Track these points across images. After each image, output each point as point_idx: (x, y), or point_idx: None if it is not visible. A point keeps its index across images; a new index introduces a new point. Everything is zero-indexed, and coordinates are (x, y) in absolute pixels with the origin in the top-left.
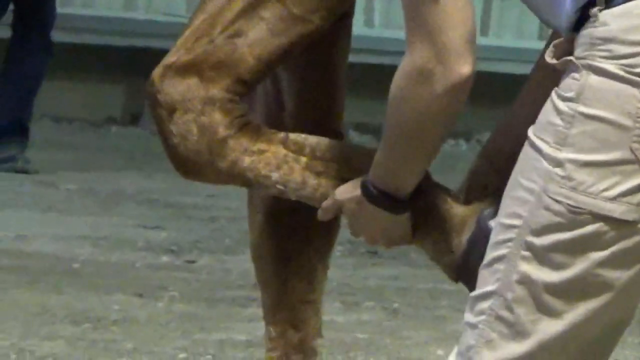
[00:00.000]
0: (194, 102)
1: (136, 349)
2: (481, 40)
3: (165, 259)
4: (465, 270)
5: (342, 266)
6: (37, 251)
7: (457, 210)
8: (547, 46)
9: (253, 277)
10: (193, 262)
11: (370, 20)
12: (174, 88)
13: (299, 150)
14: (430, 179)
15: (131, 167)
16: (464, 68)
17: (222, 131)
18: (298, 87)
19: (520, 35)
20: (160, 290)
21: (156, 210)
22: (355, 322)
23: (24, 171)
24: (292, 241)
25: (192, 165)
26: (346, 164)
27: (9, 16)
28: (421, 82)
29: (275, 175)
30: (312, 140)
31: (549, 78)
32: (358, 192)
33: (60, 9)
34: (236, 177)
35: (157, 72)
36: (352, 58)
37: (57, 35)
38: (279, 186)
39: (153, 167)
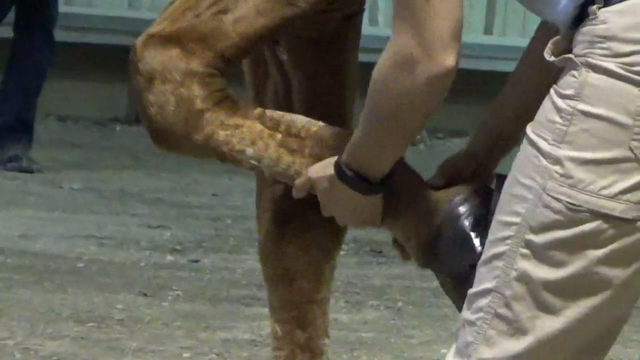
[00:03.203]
0: (173, 73)
1: (141, 348)
2: (485, 40)
3: (169, 258)
4: (432, 256)
5: (346, 265)
6: (42, 250)
7: (428, 195)
8: (533, 40)
9: (257, 276)
10: (197, 261)
11: (375, 19)
12: (155, 58)
13: (274, 126)
14: (404, 164)
15: (136, 166)
16: (448, 59)
17: (199, 104)
18: (308, 86)
19: (524, 35)
20: (164, 289)
21: (161, 209)
22: (359, 321)
23: (29, 170)
24: (299, 241)
25: (168, 136)
26: (321, 143)
27: (11, 16)
28: (404, 69)
29: (249, 151)
30: (288, 117)
31: (532, 72)
32: (331, 171)
33: (64, 8)
34: (211, 150)
35: (140, 40)
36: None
37: (61, 35)
38: (252, 161)
39: (158, 166)
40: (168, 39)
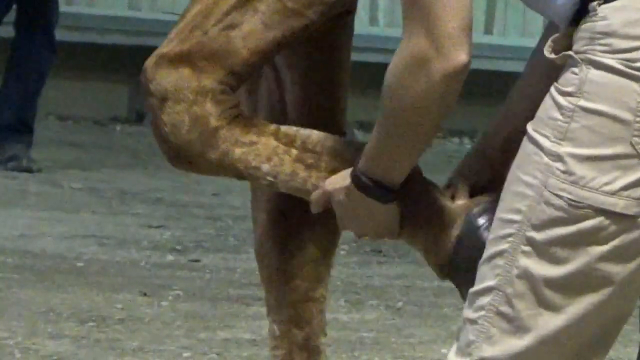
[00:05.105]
0: (186, 93)
1: (141, 348)
2: (485, 39)
3: (169, 257)
4: (453, 267)
5: (346, 265)
6: (42, 250)
7: (447, 206)
8: (541, 40)
9: (257, 276)
10: (197, 261)
11: (375, 18)
12: (167, 78)
13: (290, 142)
14: (420, 175)
15: (136, 166)
16: (461, 56)
17: (213, 122)
18: (300, 86)
19: (524, 34)
20: (164, 289)
21: (161, 209)
22: (359, 321)
23: (29, 170)
24: (295, 239)
25: (183, 156)
26: (337, 157)
27: (12, 15)
28: (418, 69)
29: (265, 167)
30: (303, 132)
31: (543, 73)
32: (347, 182)
33: (64, 8)
34: (227, 168)
35: (150, 61)
36: (357, 57)
37: (62, 35)
38: (269, 178)
39: (158, 166)
40: (178, 59)
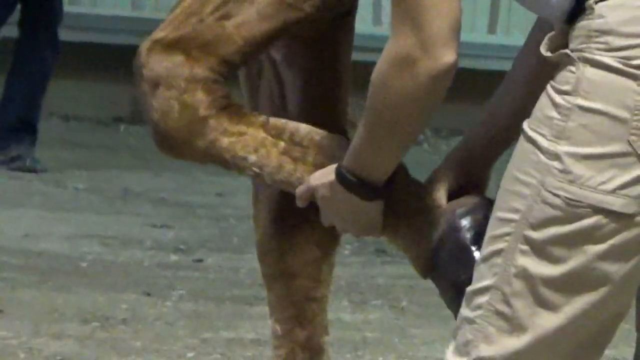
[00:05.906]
0: (177, 80)
1: (144, 348)
2: (489, 39)
3: (173, 257)
4: (432, 266)
5: (350, 265)
6: (46, 250)
7: (429, 206)
8: (529, 39)
9: (261, 275)
10: (201, 261)
11: (378, 18)
12: (160, 63)
13: (278, 134)
14: (405, 173)
15: (140, 166)
16: (448, 57)
17: (203, 110)
18: (302, 86)
19: (527, 34)
20: (168, 289)
21: (164, 209)
22: (363, 321)
23: (32, 170)
24: (297, 238)
25: (171, 142)
26: (324, 152)
27: (16, 15)
28: (405, 69)
29: (252, 158)
30: (292, 125)
31: (528, 73)
32: (332, 177)
33: (68, 8)
34: (214, 157)
35: (144, 45)
36: (361, 57)
37: (65, 34)
38: (255, 169)
39: (162, 166)
40: (172, 45)
